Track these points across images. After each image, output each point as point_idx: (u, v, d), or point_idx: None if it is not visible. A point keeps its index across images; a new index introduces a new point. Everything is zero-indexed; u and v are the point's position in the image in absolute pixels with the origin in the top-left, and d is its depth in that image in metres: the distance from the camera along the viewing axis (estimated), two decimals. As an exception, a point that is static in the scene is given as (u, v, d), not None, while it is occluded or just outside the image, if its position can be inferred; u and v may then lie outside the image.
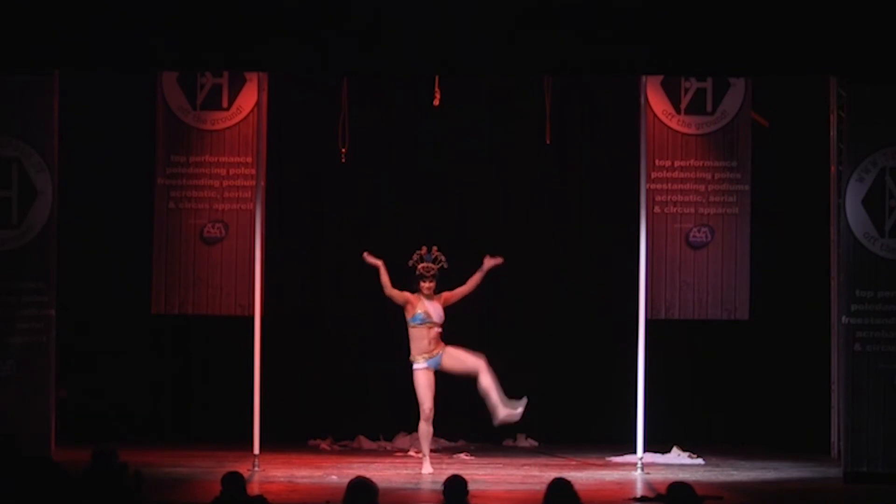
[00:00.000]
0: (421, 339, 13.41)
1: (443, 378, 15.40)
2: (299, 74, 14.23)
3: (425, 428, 13.36)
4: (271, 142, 13.88)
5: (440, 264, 13.50)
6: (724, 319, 14.10)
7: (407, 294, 13.46)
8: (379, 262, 13.42)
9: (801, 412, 14.93)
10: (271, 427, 13.65)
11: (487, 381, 13.39)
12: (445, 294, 13.51)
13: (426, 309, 13.42)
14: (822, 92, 14.31)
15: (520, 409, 13.35)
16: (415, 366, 13.42)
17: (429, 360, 13.42)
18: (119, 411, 15.02)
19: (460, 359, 13.47)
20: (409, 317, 13.46)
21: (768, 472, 13.45)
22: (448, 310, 13.55)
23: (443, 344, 13.45)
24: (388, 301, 15.51)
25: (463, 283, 13.55)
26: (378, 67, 13.13)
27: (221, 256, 13.89)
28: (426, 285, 13.43)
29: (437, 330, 13.43)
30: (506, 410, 13.40)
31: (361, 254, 13.47)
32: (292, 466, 13.41)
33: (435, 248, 13.53)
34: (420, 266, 13.48)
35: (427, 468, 13.23)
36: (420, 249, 13.51)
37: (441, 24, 12.56)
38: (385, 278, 13.43)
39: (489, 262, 13.46)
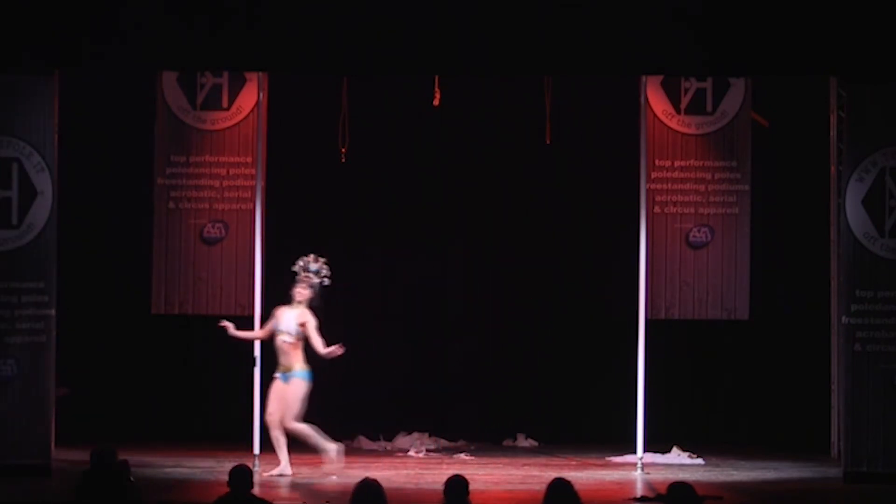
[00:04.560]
0: (276, 349, 12.98)
1: (443, 378, 15.45)
2: (299, 74, 14.22)
3: (270, 434, 12.87)
4: (271, 142, 13.88)
5: (321, 279, 13.10)
6: (724, 319, 14.10)
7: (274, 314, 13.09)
8: (244, 334, 13.08)
9: (801, 412, 14.93)
10: (271, 427, 13.66)
11: (302, 428, 12.82)
12: (309, 319, 12.96)
13: (280, 318, 12.98)
14: (822, 92, 14.31)
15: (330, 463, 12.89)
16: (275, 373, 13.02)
17: (281, 373, 12.95)
18: (119, 411, 15.02)
19: (285, 400, 12.82)
20: None
21: (768, 472, 13.46)
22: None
23: (300, 367, 12.83)
24: (388, 300, 15.58)
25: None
26: (378, 67, 13.12)
27: (221, 256, 13.89)
28: (296, 289, 13.01)
29: (285, 340, 12.92)
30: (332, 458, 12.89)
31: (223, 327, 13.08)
32: (292, 466, 13.39)
33: (322, 259, 13.22)
34: (303, 274, 13.07)
35: (278, 469, 12.87)
36: (307, 256, 13.19)
37: (441, 24, 12.56)
38: (247, 334, 13.09)
39: (329, 351, 12.78)
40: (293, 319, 12.94)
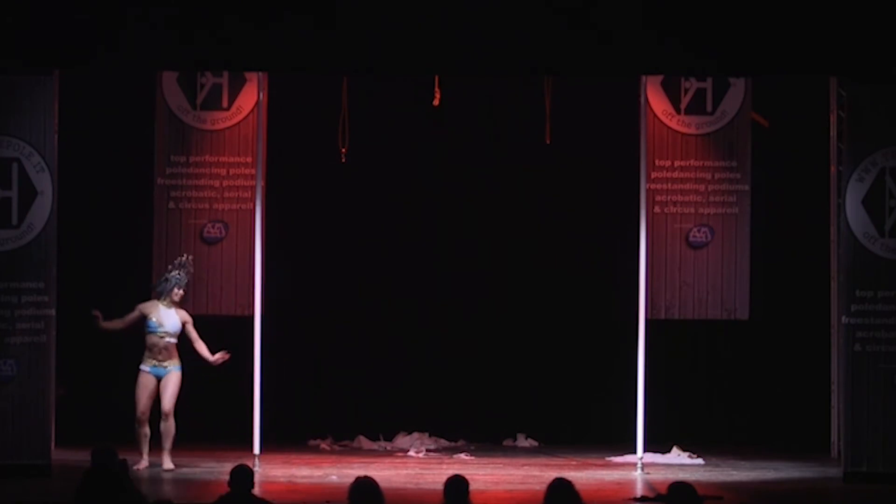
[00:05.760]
0: (153, 347, 13.15)
1: (443, 378, 15.45)
2: (299, 74, 14.21)
3: (138, 430, 13.15)
4: (271, 142, 13.88)
5: (190, 276, 13.32)
6: (724, 319, 14.10)
7: (140, 308, 13.24)
8: (109, 325, 13.29)
9: (801, 412, 14.94)
10: (271, 427, 13.66)
11: (168, 427, 13.17)
12: (188, 319, 13.25)
13: (160, 318, 13.17)
14: (822, 92, 14.31)
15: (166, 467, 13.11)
16: (141, 366, 13.18)
17: (155, 367, 13.16)
18: (119, 411, 14.99)
19: (167, 391, 13.13)
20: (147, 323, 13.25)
21: (768, 472, 13.46)
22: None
23: (177, 362, 13.16)
24: (388, 300, 15.54)
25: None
26: (378, 67, 13.11)
27: (221, 256, 13.89)
28: (178, 292, 13.20)
29: (170, 341, 13.15)
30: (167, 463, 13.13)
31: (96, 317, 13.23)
32: (292, 466, 13.41)
33: (191, 257, 13.38)
34: (175, 274, 13.22)
35: (143, 463, 13.04)
36: (181, 255, 13.36)
37: (441, 24, 12.55)
38: (112, 324, 13.27)
39: (213, 357, 13.18)
40: (177, 320, 13.20)
